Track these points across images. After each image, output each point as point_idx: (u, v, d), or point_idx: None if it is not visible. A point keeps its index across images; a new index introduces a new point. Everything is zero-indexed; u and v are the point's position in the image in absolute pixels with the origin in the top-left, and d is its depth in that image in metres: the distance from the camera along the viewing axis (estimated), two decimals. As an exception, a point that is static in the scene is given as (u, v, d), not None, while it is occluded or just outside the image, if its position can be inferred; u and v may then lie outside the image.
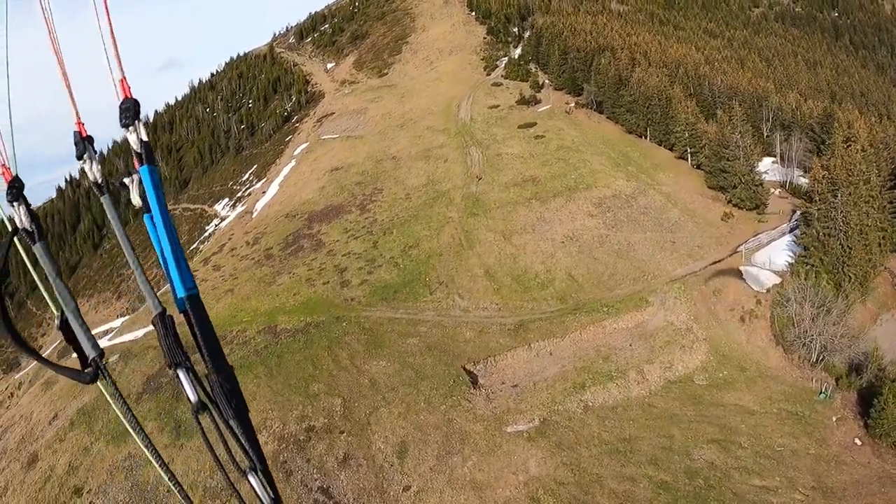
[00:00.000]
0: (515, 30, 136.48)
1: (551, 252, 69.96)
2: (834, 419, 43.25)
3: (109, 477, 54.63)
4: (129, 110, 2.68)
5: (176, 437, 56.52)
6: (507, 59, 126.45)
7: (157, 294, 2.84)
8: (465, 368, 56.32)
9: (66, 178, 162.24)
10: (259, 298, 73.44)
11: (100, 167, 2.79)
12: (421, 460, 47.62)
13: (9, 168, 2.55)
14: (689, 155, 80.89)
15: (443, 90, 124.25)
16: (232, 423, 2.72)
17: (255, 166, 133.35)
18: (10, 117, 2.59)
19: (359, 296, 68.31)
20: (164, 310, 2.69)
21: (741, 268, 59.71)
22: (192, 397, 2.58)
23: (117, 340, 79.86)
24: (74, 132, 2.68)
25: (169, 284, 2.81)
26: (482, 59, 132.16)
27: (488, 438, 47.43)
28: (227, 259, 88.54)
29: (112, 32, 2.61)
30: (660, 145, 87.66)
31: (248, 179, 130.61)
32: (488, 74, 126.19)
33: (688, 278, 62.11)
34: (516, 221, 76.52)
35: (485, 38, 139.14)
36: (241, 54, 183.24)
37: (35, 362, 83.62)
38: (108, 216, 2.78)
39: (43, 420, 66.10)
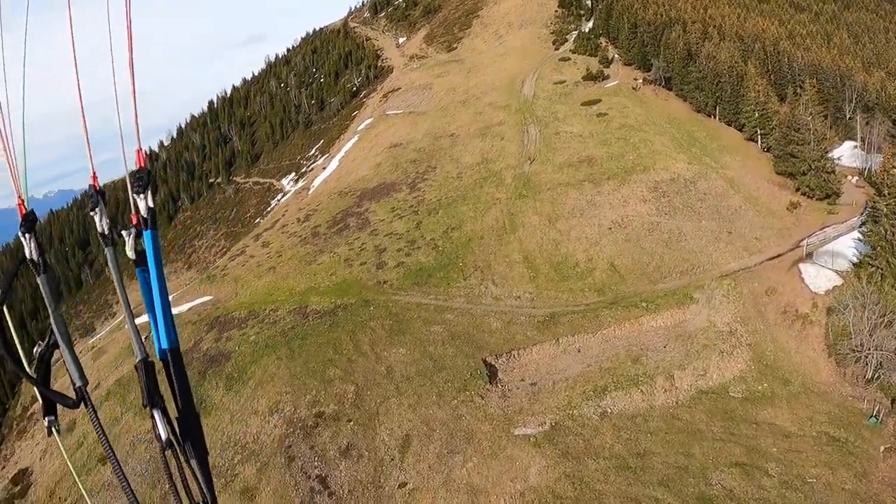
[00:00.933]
0: (588, 2, 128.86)
1: (596, 239, 65.28)
2: (882, 449, 37.18)
3: (131, 448, 55.55)
4: (143, 179, 2.98)
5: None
6: (577, 32, 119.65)
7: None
8: (485, 361, 53.35)
9: (146, 152, 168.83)
10: (297, 277, 73.02)
11: (108, 221, 2.97)
12: (422, 457, 45.34)
13: (24, 203, 2.80)
14: (759, 137, 73.16)
15: (509, 65, 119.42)
16: (193, 461, 2.97)
17: (321, 141, 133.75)
18: (25, 161, 2.86)
19: (392, 279, 66.40)
20: (147, 356, 2.92)
21: (801, 265, 53.09)
22: (164, 435, 2.81)
23: (188, 305, 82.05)
24: (89, 185, 2.98)
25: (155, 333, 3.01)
26: (552, 33, 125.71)
27: (494, 440, 44.46)
28: (277, 236, 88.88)
29: (135, 101, 2.96)
30: (729, 125, 80.00)
31: (313, 154, 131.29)
32: (557, 49, 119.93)
33: (740, 274, 56.06)
34: (565, 205, 72.05)
35: (556, 11, 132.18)
36: (317, 29, 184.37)
37: (110, 327, 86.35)
38: (110, 265, 3.01)
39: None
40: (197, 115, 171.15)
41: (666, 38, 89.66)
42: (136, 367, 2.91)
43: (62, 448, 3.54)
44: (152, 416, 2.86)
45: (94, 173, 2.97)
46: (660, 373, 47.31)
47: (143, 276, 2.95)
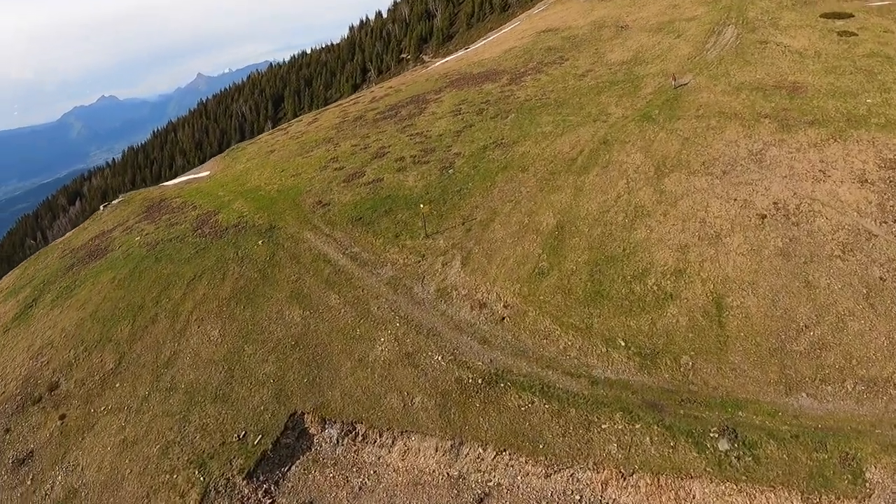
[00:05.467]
0: None
1: (719, 232, 27.16)
2: None
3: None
4: None
5: (22, 313, 35.20)
6: None
7: None
8: (298, 417, 22.35)
9: (360, 19, 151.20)
10: (269, 170, 46.19)
11: None
12: None
13: None
14: None
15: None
16: None
17: (503, 25, 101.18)
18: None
19: (340, 202, 36.00)
20: None
21: None
22: None
23: (183, 178, 61.87)
24: None
25: None
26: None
27: None
28: (333, 115, 62.16)
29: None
30: None
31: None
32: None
33: None
34: (706, 148, 33.75)
35: None
36: None
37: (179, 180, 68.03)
38: None
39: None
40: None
41: None
42: None
43: None
44: None
45: None
46: None
47: None
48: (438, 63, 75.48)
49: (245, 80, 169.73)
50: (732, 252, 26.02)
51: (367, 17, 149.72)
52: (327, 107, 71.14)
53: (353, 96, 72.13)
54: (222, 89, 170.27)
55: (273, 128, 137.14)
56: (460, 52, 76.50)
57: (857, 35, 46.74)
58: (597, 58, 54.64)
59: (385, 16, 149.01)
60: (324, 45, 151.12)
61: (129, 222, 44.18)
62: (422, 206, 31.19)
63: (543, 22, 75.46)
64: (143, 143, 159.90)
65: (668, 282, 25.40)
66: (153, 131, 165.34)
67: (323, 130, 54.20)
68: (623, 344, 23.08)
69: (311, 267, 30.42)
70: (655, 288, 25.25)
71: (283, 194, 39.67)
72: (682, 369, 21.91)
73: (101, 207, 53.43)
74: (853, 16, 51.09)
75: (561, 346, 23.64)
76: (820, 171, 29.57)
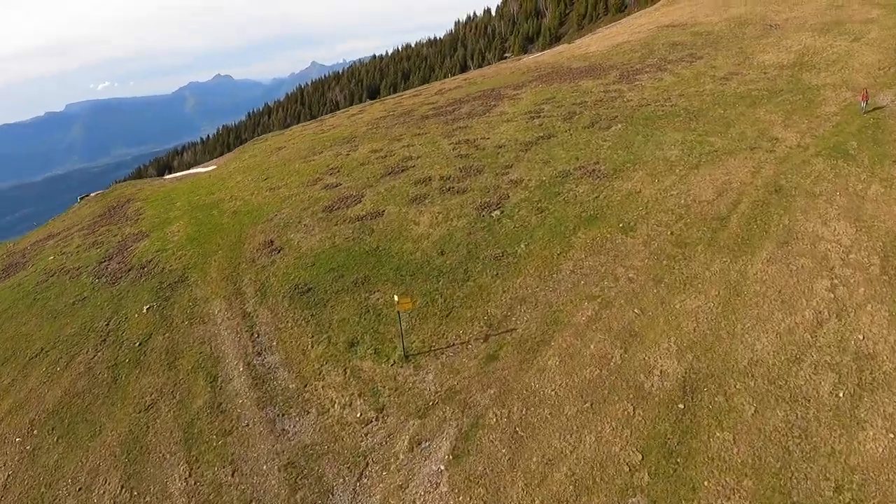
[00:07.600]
0: None
1: None
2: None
3: None
4: None
5: None
6: None
7: None
8: None
9: (467, 14, 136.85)
10: (252, 175, 32.26)
11: None
12: None
13: None
14: None
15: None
16: None
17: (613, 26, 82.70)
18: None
19: (296, 248, 20.96)
20: None
21: None
22: None
23: (192, 170, 49.64)
24: None
25: None
26: None
27: None
28: (382, 107, 47.51)
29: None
30: None
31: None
32: None
33: None
34: None
35: None
36: None
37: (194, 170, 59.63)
38: None
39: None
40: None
41: None
42: None
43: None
44: None
45: None
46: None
47: None
48: (532, 57, 58.99)
49: (345, 69, 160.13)
50: None
51: (473, 13, 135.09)
52: (383, 98, 56.69)
53: (419, 87, 57.23)
54: (323, 76, 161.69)
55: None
56: (560, 46, 59.50)
57: None
58: (742, 58, 36.56)
59: (493, 13, 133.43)
60: (427, 40, 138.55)
61: (75, 228, 31.66)
62: (396, 297, 14.84)
63: (666, 17, 57.16)
64: (236, 123, 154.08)
65: None
66: (248, 113, 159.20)
67: (355, 126, 39.69)
68: None
69: (184, 383, 15.53)
70: None
71: (238, 219, 25.14)
72: None
73: (79, 199, 41.84)
74: None
75: None
76: None
